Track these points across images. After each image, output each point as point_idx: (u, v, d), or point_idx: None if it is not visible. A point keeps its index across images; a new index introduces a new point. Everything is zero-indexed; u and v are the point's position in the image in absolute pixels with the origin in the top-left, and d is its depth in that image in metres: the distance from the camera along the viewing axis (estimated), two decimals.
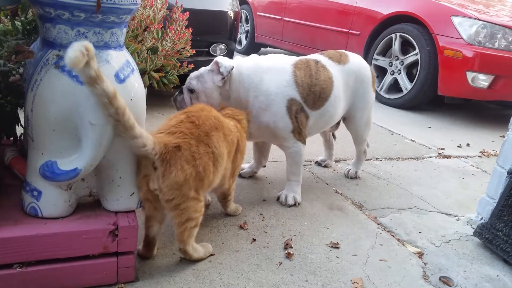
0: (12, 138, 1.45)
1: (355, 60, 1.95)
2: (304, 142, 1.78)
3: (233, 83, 1.68)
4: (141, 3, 1.62)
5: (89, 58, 0.92)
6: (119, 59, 1.12)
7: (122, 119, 1.03)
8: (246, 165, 2.09)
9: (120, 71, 1.10)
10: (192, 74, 1.70)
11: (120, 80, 1.10)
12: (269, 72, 1.71)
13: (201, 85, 1.67)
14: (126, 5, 1.08)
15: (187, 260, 1.36)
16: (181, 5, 1.73)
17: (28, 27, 1.33)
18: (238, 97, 1.70)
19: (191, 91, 1.68)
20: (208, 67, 1.70)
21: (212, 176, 1.29)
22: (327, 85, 1.79)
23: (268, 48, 6.50)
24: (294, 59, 1.80)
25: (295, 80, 1.71)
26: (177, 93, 1.75)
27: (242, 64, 1.72)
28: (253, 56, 1.79)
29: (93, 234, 1.13)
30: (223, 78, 1.65)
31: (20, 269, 1.09)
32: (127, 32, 1.54)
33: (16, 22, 1.32)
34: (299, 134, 1.75)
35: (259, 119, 1.71)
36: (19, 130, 1.42)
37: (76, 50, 0.90)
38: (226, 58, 1.71)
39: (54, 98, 1.05)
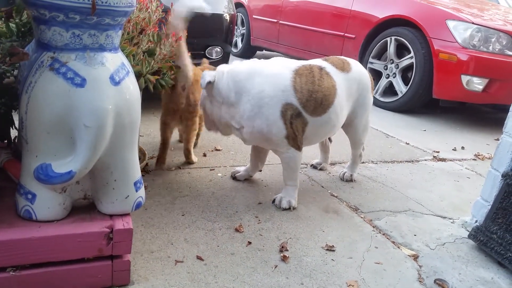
0: (6, 141, 1.45)
1: (357, 68, 1.96)
2: (299, 149, 1.77)
3: (222, 89, 1.72)
4: (137, 5, 1.61)
5: None
6: (114, 61, 1.12)
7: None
8: (241, 168, 2.08)
9: (115, 74, 1.10)
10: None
11: (115, 82, 1.09)
12: (265, 76, 1.70)
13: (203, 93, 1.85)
14: (122, 8, 1.08)
15: (183, 263, 1.36)
16: None
17: (22, 29, 1.33)
18: (229, 102, 1.73)
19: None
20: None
21: None
22: (330, 93, 1.78)
23: (264, 51, 6.51)
24: (297, 64, 1.79)
25: (293, 85, 1.70)
26: None
27: (234, 69, 1.74)
28: (252, 60, 1.80)
29: (88, 237, 1.13)
30: (204, 88, 1.77)
31: (13, 273, 1.08)
32: (123, 35, 1.54)
33: (10, 24, 1.31)
34: (294, 140, 1.74)
35: (252, 123, 1.70)
36: (13, 133, 1.41)
37: None
38: (223, 66, 1.80)
39: (49, 100, 1.04)
